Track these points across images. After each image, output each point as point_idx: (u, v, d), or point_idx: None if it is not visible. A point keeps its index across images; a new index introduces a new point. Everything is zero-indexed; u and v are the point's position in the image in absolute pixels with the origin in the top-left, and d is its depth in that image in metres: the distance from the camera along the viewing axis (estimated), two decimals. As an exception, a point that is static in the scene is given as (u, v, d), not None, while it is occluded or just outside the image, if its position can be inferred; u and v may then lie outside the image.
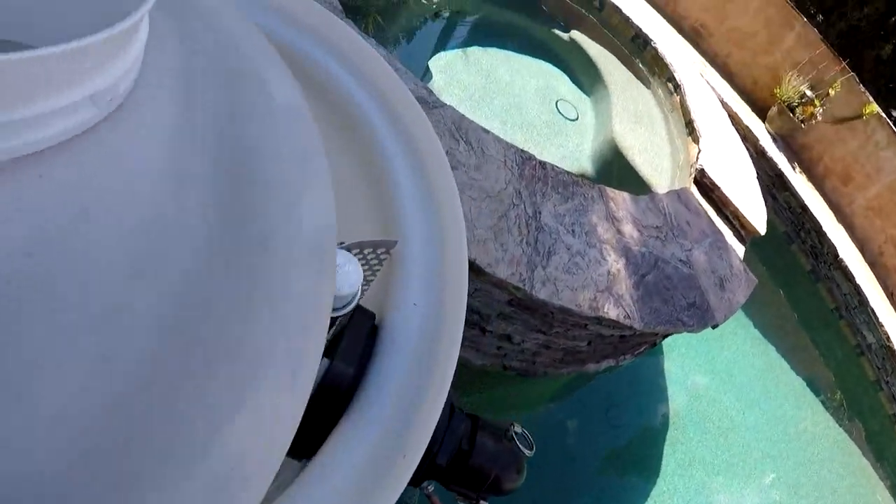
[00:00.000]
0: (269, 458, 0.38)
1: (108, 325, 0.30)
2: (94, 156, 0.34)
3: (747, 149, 3.68)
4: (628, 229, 2.29)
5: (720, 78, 5.07)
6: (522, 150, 2.18)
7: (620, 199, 2.38)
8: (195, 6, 0.51)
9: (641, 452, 2.78)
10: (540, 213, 2.02)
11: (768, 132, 4.87)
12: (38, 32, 0.36)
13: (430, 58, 3.25)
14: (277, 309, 0.40)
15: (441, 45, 3.52)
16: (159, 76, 0.41)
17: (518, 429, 0.78)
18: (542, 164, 2.19)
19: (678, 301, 2.18)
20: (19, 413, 0.27)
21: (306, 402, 0.42)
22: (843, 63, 4.66)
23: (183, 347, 0.33)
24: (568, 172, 2.26)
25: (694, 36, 5.39)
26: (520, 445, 0.77)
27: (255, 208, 0.41)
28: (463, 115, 2.08)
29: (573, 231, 2.07)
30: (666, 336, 2.68)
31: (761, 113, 4.98)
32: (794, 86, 4.73)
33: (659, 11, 5.16)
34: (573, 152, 3.12)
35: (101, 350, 0.29)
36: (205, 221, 0.37)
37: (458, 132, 2.01)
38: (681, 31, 5.30)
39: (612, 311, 1.97)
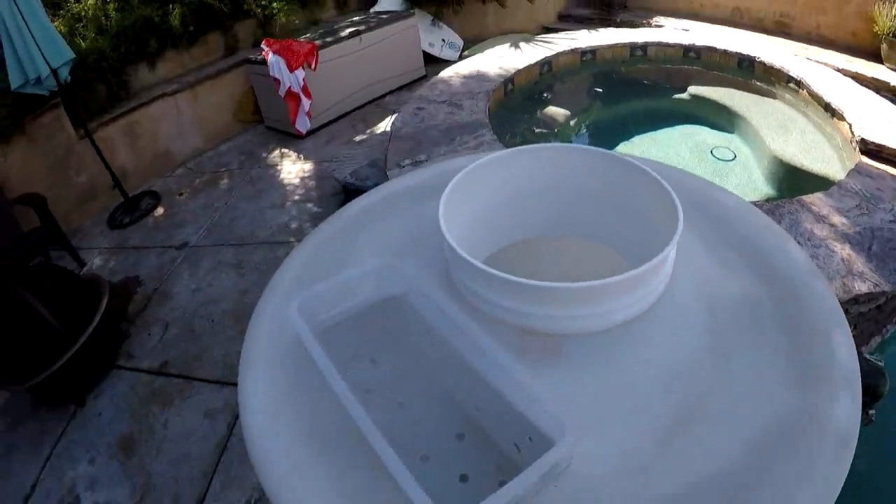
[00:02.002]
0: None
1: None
2: (662, 311, 0.93)
3: (884, 97, 3.86)
4: (837, 219, 2.70)
5: (823, 49, 5.24)
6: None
7: (817, 200, 2.81)
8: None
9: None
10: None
11: (892, 69, 4.82)
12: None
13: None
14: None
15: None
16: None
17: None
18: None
19: (908, 254, 2.52)
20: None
21: None
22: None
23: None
24: (767, 200, 2.74)
25: (780, 29, 5.69)
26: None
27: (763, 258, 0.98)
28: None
29: (799, 243, 2.52)
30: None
31: (877, 58, 4.97)
32: (888, 16, 4.76)
33: (741, 28, 5.59)
34: (749, 185, 3.55)
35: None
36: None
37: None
38: (767, 32, 5.64)
39: (862, 287, 2.35)
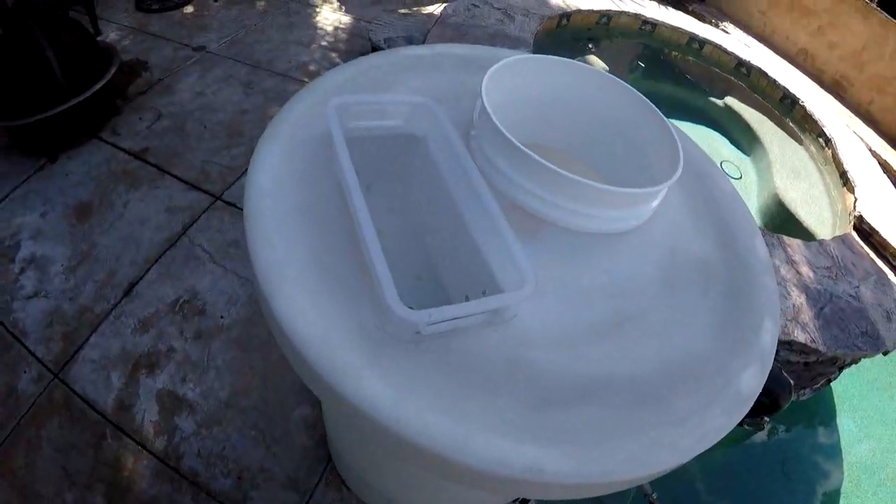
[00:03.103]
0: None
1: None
2: (634, 239, 1.02)
3: (899, 194, 3.99)
4: (805, 270, 2.83)
5: (865, 126, 5.27)
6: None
7: (795, 245, 2.94)
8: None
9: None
10: (735, 261, 2.63)
11: (918, 176, 5.00)
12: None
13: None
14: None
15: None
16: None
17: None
18: (731, 222, 2.80)
19: (852, 329, 2.68)
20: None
21: None
22: None
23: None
24: (751, 227, 2.84)
25: (835, 88, 5.69)
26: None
27: (735, 242, 1.10)
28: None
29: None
30: (842, 367, 3.13)
31: (910, 156, 5.08)
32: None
33: (799, 69, 5.57)
34: (742, 207, 3.65)
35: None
36: (721, 273, 1.06)
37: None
38: (822, 84, 5.63)
39: (800, 336, 2.51)
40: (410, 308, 0.72)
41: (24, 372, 2.38)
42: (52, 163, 3.30)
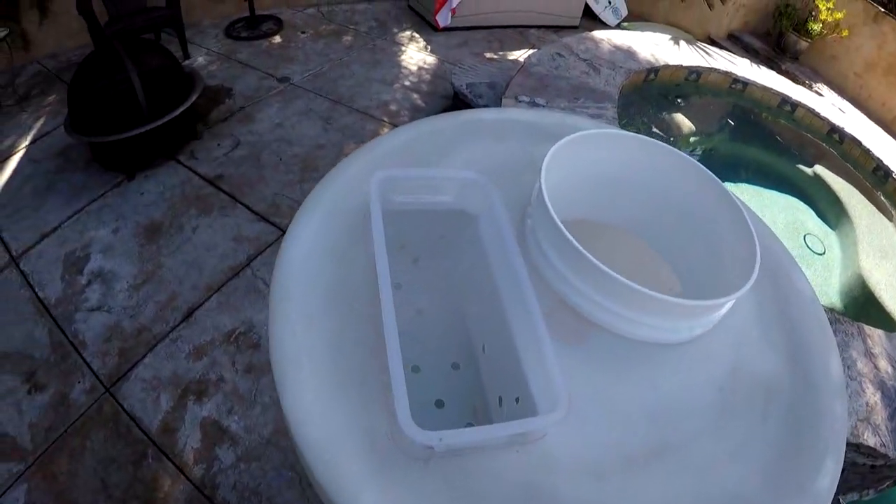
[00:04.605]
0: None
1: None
2: (692, 351, 0.94)
3: None
4: (883, 364, 2.62)
5: None
6: (791, 291, 2.64)
7: (876, 336, 2.72)
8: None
9: None
10: (810, 347, 2.45)
11: None
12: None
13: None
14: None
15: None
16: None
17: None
18: (808, 304, 2.62)
19: (929, 434, 2.46)
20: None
21: None
22: None
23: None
24: (831, 310, 2.67)
25: (931, 159, 5.40)
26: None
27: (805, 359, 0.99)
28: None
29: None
30: (912, 472, 2.89)
31: None
32: None
33: (894, 136, 5.28)
34: (822, 286, 3.44)
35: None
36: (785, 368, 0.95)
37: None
38: (921, 156, 5.35)
39: (870, 440, 2.31)
40: (422, 428, 0.66)
41: (79, 382, 2.45)
42: (129, 180, 3.44)
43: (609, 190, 1.18)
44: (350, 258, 0.94)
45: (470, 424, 0.95)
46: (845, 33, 5.94)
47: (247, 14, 5.22)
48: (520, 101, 3.36)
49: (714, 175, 1.07)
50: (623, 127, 3.66)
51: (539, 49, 4.20)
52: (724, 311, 0.92)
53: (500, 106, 3.33)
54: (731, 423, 0.86)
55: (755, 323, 1.02)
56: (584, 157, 1.10)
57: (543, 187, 0.90)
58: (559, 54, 4.14)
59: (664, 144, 1.10)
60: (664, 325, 0.88)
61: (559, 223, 0.86)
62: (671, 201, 1.13)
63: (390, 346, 0.74)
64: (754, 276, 0.87)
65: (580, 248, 0.84)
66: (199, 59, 4.69)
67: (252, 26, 5.20)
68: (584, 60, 4.17)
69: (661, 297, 0.81)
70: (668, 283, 1.22)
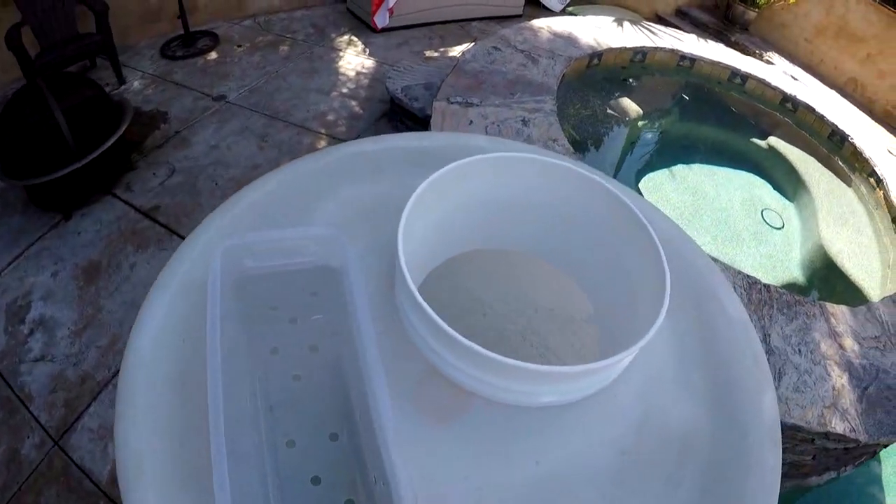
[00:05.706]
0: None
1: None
2: (597, 403, 0.82)
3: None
4: (849, 343, 2.54)
5: None
6: (748, 276, 2.55)
7: (840, 314, 2.64)
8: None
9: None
10: (769, 336, 2.36)
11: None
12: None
13: (640, 179, 3.72)
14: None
15: (649, 166, 3.98)
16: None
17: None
18: (767, 288, 2.54)
19: (901, 411, 2.38)
20: None
21: None
22: None
23: None
24: (790, 292, 2.58)
25: (886, 118, 5.37)
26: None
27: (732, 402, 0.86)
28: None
29: (799, 350, 2.38)
30: (888, 444, 2.83)
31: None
32: None
33: (849, 99, 5.24)
34: (782, 261, 3.37)
35: None
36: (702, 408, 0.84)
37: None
38: (872, 116, 5.29)
39: (838, 426, 2.22)
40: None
41: (28, 437, 2.37)
42: (66, 220, 3.31)
43: (506, 215, 1.07)
44: (201, 338, 0.82)
45: (350, 501, 0.84)
46: (793, 0, 5.89)
47: (181, 32, 5.05)
48: (452, 103, 3.24)
49: (625, 194, 0.96)
50: (565, 117, 3.57)
51: (475, 45, 4.07)
52: (622, 366, 0.80)
53: (432, 109, 3.20)
54: (635, 493, 0.74)
55: (671, 362, 0.90)
56: (470, 186, 0.98)
57: (402, 260, 0.78)
58: (496, 48, 4.02)
59: (566, 164, 0.99)
60: (552, 390, 0.76)
61: (423, 302, 0.74)
62: (577, 224, 1.02)
63: (216, 460, 0.62)
64: (661, 315, 0.75)
65: (449, 329, 0.71)
66: (134, 84, 4.52)
67: (187, 44, 5.04)
68: (522, 52, 4.05)
69: (543, 368, 0.69)
70: (580, 307, 1.11)
